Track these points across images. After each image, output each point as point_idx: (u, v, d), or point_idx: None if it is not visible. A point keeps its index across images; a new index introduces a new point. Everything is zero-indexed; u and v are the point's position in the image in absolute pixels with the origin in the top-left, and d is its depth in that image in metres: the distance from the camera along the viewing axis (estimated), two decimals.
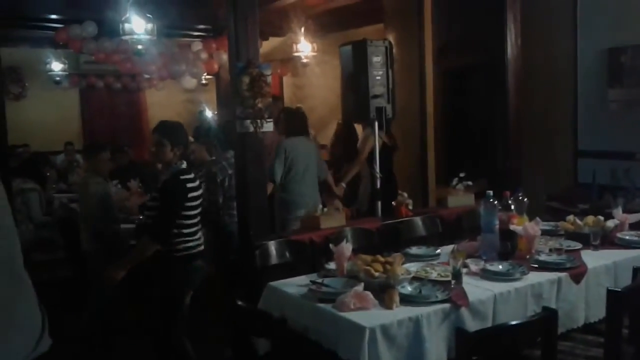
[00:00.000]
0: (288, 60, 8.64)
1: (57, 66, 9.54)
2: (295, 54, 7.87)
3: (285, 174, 4.55)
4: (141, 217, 5.14)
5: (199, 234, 3.41)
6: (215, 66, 7.49)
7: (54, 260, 4.99)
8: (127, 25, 5.22)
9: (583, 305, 2.79)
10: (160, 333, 3.38)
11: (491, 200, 3.02)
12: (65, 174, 8.39)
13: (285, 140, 4.63)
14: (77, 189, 7.19)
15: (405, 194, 4.27)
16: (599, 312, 2.74)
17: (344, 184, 5.16)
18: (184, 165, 3.39)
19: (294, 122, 4.77)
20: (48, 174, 6.28)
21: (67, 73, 9.82)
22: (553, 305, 2.57)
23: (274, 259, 3.53)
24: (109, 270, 3.22)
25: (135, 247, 3.26)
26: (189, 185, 3.29)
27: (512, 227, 3.06)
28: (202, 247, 3.41)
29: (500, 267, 2.83)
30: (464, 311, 2.43)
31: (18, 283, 1.35)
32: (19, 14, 5.96)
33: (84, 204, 4.38)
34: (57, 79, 9.76)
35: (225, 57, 7.19)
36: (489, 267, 2.82)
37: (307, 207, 4.34)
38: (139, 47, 5.59)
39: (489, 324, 2.49)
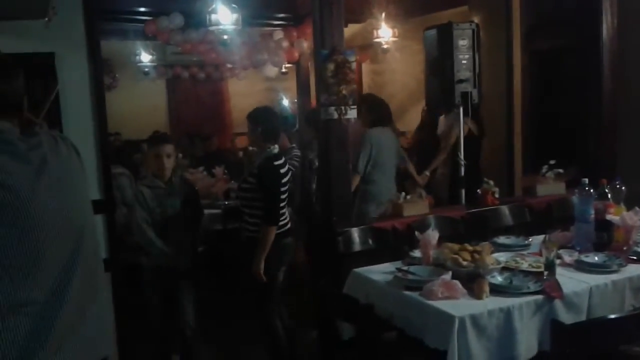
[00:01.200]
0: (368, 47, 8.57)
1: (145, 57, 9.92)
2: (376, 40, 7.79)
3: (368, 165, 4.53)
4: (227, 202, 5.32)
5: (287, 214, 3.64)
6: (296, 54, 7.52)
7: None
8: (213, 16, 5.34)
9: None
10: (256, 313, 3.56)
11: (586, 188, 2.88)
12: None
13: (370, 131, 4.60)
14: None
15: (492, 182, 4.15)
16: None
17: (427, 173, 5.08)
18: (276, 150, 3.57)
19: (378, 112, 4.73)
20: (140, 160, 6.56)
21: (154, 64, 10.20)
22: None
23: (356, 245, 3.54)
24: (254, 269, 3.39)
25: (260, 237, 3.40)
26: (281, 170, 3.51)
27: (608, 217, 2.92)
28: (289, 225, 3.63)
29: (596, 258, 2.72)
30: (557, 303, 2.35)
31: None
32: (110, 7, 6.22)
33: None
34: (146, 70, 10.16)
35: (305, 45, 7.22)
36: (584, 258, 2.71)
37: (389, 197, 4.31)
38: (225, 37, 5.71)
39: (584, 317, 2.40)
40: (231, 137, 10.35)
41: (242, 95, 11.46)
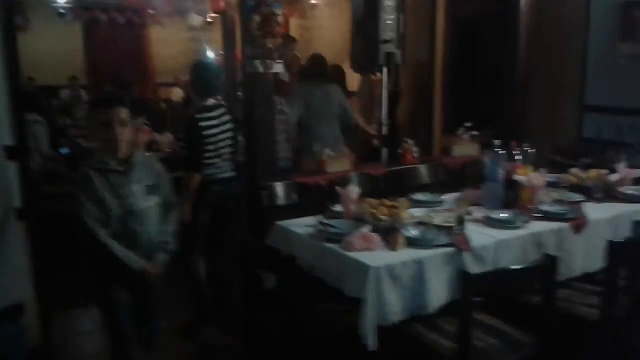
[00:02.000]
0: (296, 1, 8.48)
1: None
2: None
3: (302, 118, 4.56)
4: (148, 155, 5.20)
5: (221, 165, 3.65)
6: (222, 3, 7.30)
7: (65, 193, 5.06)
8: None
9: (582, 255, 2.87)
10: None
11: (496, 149, 3.05)
12: (70, 108, 8.38)
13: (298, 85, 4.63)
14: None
15: (411, 141, 4.30)
16: (597, 263, 2.82)
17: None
18: (208, 102, 3.60)
19: (308, 67, 4.75)
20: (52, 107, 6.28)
21: (70, 5, 9.63)
22: (553, 254, 2.64)
23: (280, 199, 3.60)
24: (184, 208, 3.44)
25: (182, 184, 3.49)
26: (201, 123, 3.53)
27: (516, 177, 3.10)
28: (223, 175, 3.67)
29: (503, 215, 2.90)
30: (466, 255, 2.51)
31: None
32: None
33: None
34: (61, 11, 9.57)
35: None
36: (492, 215, 2.89)
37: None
38: None
39: (490, 268, 2.57)
40: (153, 87, 10.02)
41: (165, 43, 11.05)
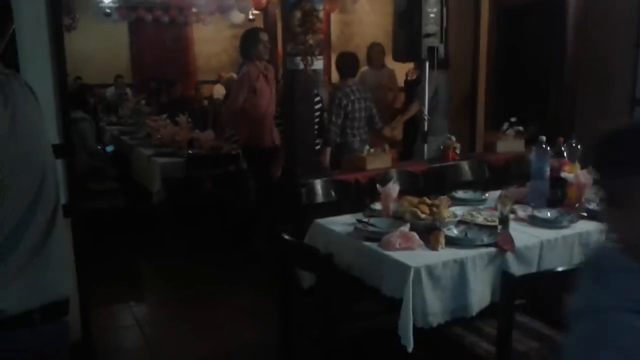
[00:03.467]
0: None
1: None
2: None
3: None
4: (190, 152, 5.28)
5: None
6: (264, 1, 7.36)
7: (109, 189, 5.19)
8: None
9: None
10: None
11: (543, 146, 2.96)
12: (115, 106, 8.57)
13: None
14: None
15: (453, 137, 4.21)
16: None
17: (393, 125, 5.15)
18: None
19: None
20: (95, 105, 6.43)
21: (116, 5, 9.86)
22: None
23: (319, 197, 3.57)
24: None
25: None
26: None
27: (563, 174, 3.00)
28: None
29: (549, 214, 2.81)
30: (509, 256, 2.43)
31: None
32: None
33: None
34: (107, 11, 9.81)
35: None
36: (537, 214, 2.80)
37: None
38: None
39: (534, 269, 2.50)
40: (196, 85, 10.16)
41: (208, 41, 11.19)
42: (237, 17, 8.83)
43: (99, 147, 5.61)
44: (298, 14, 3.52)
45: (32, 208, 1.40)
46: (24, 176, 1.40)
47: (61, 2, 3.47)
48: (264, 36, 4.69)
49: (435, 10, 4.02)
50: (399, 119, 5.33)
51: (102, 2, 9.60)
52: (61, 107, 3.19)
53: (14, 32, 2.94)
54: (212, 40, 11.12)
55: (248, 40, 4.71)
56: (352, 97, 4.54)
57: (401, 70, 6.19)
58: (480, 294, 2.37)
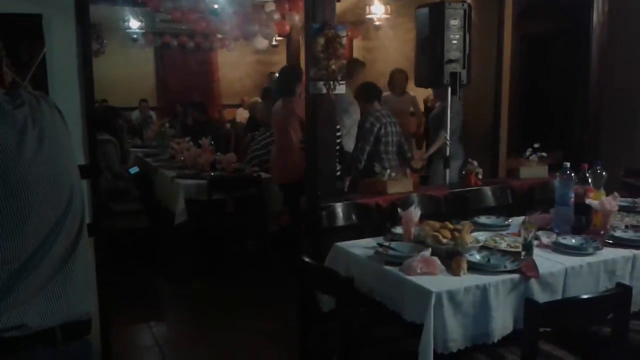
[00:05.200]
0: (359, 23, 8.53)
1: (134, 24, 9.81)
2: (368, 16, 7.77)
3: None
4: (212, 174, 5.33)
5: None
6: (287, 27, 7.48)
7: (132, 210, 5.26)
8: None
9: None
10: None
11: (568, 172, 2.93)
12: (140, 129, 8.72)
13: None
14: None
15: (475, 163, 4.19)
16: None
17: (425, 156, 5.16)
18: None
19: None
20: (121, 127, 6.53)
21: (143, 31, 10.08)
22: (627, 283, 2.49)
23: (340, 220, 3.57)
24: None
25: None
26: None
27: (588, 201, 2.97)
28: None
29: (573, 240, 2.77)
30: (533, 283, 2.40)
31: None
32: None
33: None
34: (134, 36, 10.04)
35: (297, 18, 7.18)
36: (562, 240, 2.76)
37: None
38: (215, 6, 5.65)
39: (559, 297, 2.46)
40: (219, 108, 10.30)
41: (231, 66, 11.37)
42: (261, 43, 8.96)
43: (123, 168, 5.69)
44: (321, 40, 3.56)
45: (58, 226, 1.43)
46: (51, 195, 1.42)
47: (90, 28, 3.57)
48: None
49: (457, 36, 4.04)
50: (424, 150, 5.33)
51: (130, 28, 9.83)
52: (88, 129, 3.26)
53: (45, 56, 3.03)
54: (235, 65, 11.30)
55: (292, 76, 4.68)
56: (384, 121, 4.55)
57: (419, 97, 6.23)
58: (502, 320, 2.33)
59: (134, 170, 6.29)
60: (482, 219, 3.21)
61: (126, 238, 4.65)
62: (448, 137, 4.34)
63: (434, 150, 5.11)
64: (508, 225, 3.14)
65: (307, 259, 2.61)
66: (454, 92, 4.19)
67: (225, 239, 5.22)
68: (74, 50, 3.18)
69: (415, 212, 2.81)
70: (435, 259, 2.43)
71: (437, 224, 2.72)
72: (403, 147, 4.78)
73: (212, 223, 5.08)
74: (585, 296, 2.26)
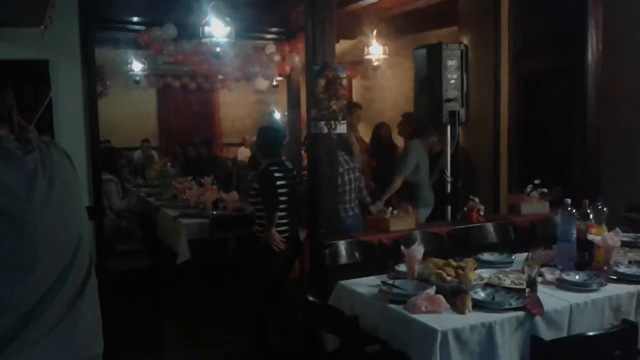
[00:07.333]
0: (358, 63, 8.66)
1: (137, 66, 9.95)
2: (366, 57, 7.89)
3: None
4: (214, 212, 5.34)
5: (286, 221, 3.99)
6: (288, 68, 7.59)
7: (134, 250, 5.25)
8: (207, 29, 5.38)
9: None
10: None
11: (569, 208, 2.95)
12: (142, 169, 8.77)
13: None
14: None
15: (477, 199, 4.22)
16: None
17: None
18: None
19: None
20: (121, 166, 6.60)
21: (146, 73, 10.23)
22: (632, 319, 2.49)
23: (343, 258, 3.57)
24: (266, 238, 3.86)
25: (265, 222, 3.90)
26: (276, 174, 3.95)
27: (590, 237, 2.98)
28: (287, 234, 3.99)
29: (577, 277, 2.77)
30: (538, 320, 2.39)
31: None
32: (104, 17, 6.26)
33: None
34: (137, 78, 10.18)
35: (297, 59, 7.29)
36: (565, 276, 2.76)
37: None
38: (217, 49, 5.75)
39: (564, 334, 2.44)
40: (221, 147, 10.38)
41: (233, 106, 11.51)
42: (262, 83, 9.09)
43: (123, 204, 5.70)
44: (322, 82, 3.63)
45: (67, 268, 1.44)
46: (60, 240, 1.44)
47: (95, 72, 3.64)
48: None
49: (455, 76, 4.12)
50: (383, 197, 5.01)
51: (133, 70, 9.98)
52: (93, 171, 3.30)
53: (51, 100, 3.09)
54: (236, 105, 11.44)
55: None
56: (346, 167, 4.45)
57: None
58: (508, 358, 2.31)
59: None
60: (486, 256, 3.21)
61: (128, 277, 4.63)
62: (449, 175, 4.37)
63: (388, 196, 4.94)
64: (512, 262, 3.14)
65: (311, 298, 2.60)
66: (452, 131, 4.24)
67: (228, 278, 5.21)
68: (79, 94, 3.25)
69: (418, 250, 2.82)
70: (440, 296, 2.43)
71: (440, 262, 2.72)
72: (362, 193, 4.75)
73: (215, 262, 5.07)
74: (591, 333, 2.26)
